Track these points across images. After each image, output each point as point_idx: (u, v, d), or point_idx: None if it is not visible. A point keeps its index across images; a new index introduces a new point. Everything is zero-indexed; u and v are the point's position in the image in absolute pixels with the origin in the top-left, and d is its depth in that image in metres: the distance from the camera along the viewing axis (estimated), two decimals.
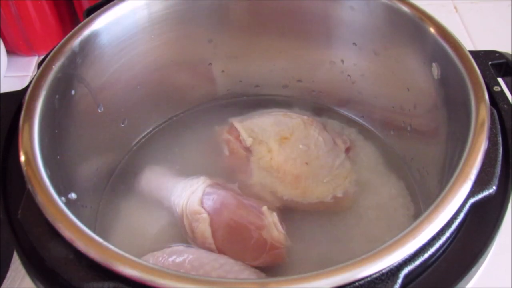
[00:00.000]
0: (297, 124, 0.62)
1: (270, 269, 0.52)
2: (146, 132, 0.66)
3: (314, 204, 0.57)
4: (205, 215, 0.53)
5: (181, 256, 0.49)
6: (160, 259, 0.50)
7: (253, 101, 0.68)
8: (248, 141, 0.60)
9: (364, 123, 0.65)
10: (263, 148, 0.60)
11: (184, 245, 0.53)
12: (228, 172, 0.61)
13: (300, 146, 0.60)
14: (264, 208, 0.53)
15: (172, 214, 0.56)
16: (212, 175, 0.58)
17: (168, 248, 0.52)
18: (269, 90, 0.69)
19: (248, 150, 0.60)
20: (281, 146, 0.60)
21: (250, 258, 0.51)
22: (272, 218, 0.53)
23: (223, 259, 0.50)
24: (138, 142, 0.65)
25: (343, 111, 0.67)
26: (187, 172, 0.59)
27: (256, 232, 0.52)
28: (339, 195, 0.57)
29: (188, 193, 0.55)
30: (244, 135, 0.60)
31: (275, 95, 0.69)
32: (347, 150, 0.61)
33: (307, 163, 0.59)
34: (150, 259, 0.50)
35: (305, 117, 0.63)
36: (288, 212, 0.57)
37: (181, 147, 0.64)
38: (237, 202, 0.54)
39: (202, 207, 0.53)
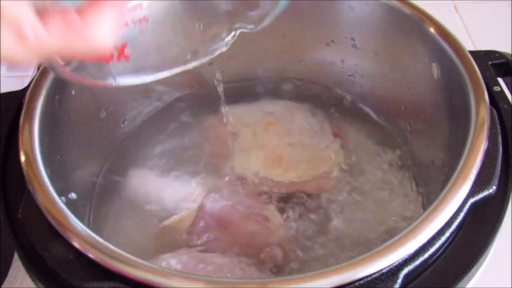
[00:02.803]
0: (283, 111, 0.63)
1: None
2: (146, 129, 0.66)
3: (296, 183, 0.57)
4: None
5: (195, 261, 0.49)
6: (173, 263, 0.50)
7: (245, 92, 0.68)
8: (234, 126, 0.61)
9: (363, 121, 0.65)
10: (248, 132, 0.61)
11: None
12: (213, 156, 0.61)
13: (284, 130, 0.61)
14: (266, 212, 0.54)
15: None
16: (200, 164, 0.59)
17: (180, 251, 0.52)
18: (269, 89, 0.69)
19: (233, 134, 0.61)
20: (265, 130, 0.61)
21: (261, 262, 0.51)
22: (276, 220, 0.53)
23: (238, 266, 0.50)
24: (135, 139, 0.65)
25: (341, 108, 0.67)
26: (177, 167, 0.60)
27: (265, 241, 0.52)
28: (322, 174, 0.57)
29: (184, 212, 0.55)
30: (230, 119, 0.61)
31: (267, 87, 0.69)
32: (336, 135, 0.61)
33: (290, 144, 0.60)
34: (163, 263, 0.49)
35: (292, 104, 0.64)
36: (287, 203, 0.57)
37: (171, 141, 0.64)
38: (240, 216, 0.53)
39: (205, 226, 0.53)
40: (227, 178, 0.58)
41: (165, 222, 0.54)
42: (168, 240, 0.54)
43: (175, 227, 0.54)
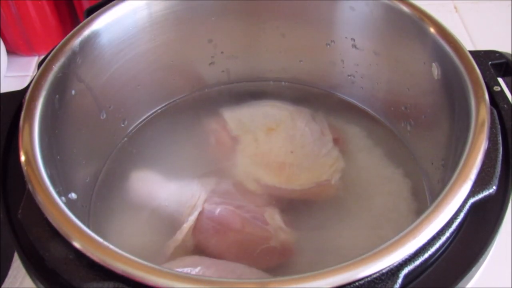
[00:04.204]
0: (285, 115, 0.63)
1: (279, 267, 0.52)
2: (146, 130, 0.66)
3: (298, 191, 0.57)
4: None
5: (197, 266, 0.49)
6: (173, 266, 0.49)
7: (245, 92, 0.69)
8: (235, 131, 0.61)
9: (363, 121, 0.65)
10: (249, 137, 0.61)
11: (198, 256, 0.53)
12: (214, 162, 0.61)
13: (286, 136, 0.61)
14: (266, 214, 0.54)
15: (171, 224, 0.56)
16: (200, 169, 0.59)
17: (183, 258, 0.51)
18: (269, 89, 0.69)
19: (234, 139, 0.61)
20: (267, 136, 0.61)
21: (262, 265, 0.51)
22: (276, 223, 0.53)
23: (240, 269, 0.49)
24: (135, 140, 0.64)
25: (342, 108, 0.67)
26: (177, 170, 0.60)
27: (265, 244, 0.52)
28: (323, 182, 0.57)
29: (185, 216, 0.55)
30: (231, 124, 0.61)
31: (267, 87, 0.70)
32: (336, 140, 0.61)
33: (292, 152, 0.60)
34: None
35: (293, 108, 0.64)
36: (288, 204, 0.57)
37: (172, 142, 0.64)
38: (240, 220, 0.53)
39: (204, 230, 0.53)
40: (228, 182, 0.58)
41: (174, 242, 0.53)
42: (180, 251, 0.54)
43: (184, 241, 0.54)
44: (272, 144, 0.61)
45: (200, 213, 0.54)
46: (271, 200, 0.57)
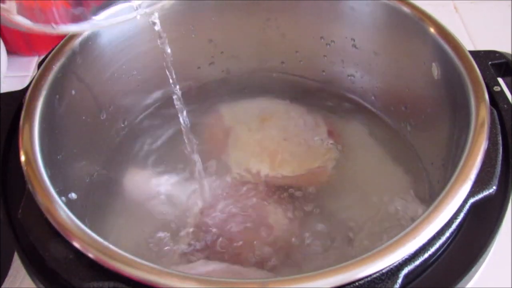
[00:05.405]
0: (279, 107, 0.64)
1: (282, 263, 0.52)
2: (146, 130, 0.66)
3: (290, 178, 0.58)
4: None
5: (198, 268, 0.49)
6: None
7: (243, 90, 0.69)
8: (229, 122, 0.61)
9: (363, 120, 0.65)
10: (243, 128, 0.62)
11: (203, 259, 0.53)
12: (207, 153, 0.61)
13: (280, 125, 0.62)
14: (264, 210, 0.54)
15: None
16: (199, 165, 0.59)
17: (187, 263, 0.52)
18: (268, 88, 0.69)
19: (227, 130, 0.61)
20: (260, 126, 0.62)
21: (258, 259, 0.51)
22: (274, 218, 0.53)
23: (240, 271, 0.50)
24: (135, 139, 0.64)
25: (341, 108, 0.67)
26: (177, 169, 0.60)
27: (264, 240, 0.52)
28: (316, 169, 0.58)
29: (185, 215, 0.55)
30: (226, 117, 0.62)
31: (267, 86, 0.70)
32: (330, 132, 0.62)
33: (285, 139, 0.61)
34: None
35: (288, 101, 0.65)
36: (285, 193, 0.57)
37: (172, 142, 0.64)
38: (240, 216, 0.54)
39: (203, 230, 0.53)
40: (225, 175, 0.58)
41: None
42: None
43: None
44: (265, 132, 0.61)
45: (200, 210, 0.54)
46: (266, 189, 0.57)
